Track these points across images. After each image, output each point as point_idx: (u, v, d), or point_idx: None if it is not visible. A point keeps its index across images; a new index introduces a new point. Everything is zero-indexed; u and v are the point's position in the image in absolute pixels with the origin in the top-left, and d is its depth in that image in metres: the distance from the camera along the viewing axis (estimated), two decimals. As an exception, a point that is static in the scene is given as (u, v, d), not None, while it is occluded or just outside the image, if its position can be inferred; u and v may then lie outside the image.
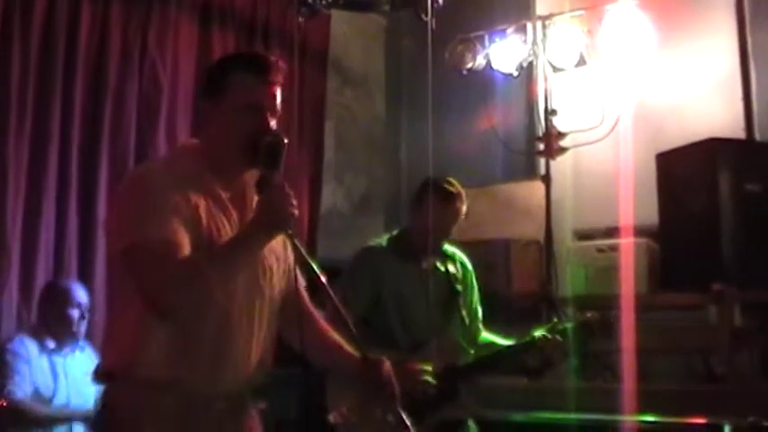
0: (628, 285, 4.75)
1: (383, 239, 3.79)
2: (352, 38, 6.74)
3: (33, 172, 4.54)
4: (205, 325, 2.23)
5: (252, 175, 2.36)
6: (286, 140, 2.28)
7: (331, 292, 2.29)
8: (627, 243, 5.07)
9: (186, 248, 2.18)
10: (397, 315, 3.58)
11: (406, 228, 3.80)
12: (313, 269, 2.30)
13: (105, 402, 2.32)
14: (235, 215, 2.32)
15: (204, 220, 2.25)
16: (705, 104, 5.39)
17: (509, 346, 3.71)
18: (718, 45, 5.44)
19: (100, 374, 2.33)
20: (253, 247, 2.24)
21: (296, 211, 2.21)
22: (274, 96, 2.35)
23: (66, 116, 4.70)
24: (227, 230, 2.28)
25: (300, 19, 5.84)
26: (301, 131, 6.06)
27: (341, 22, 6.50)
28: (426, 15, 5.63)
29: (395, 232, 3.82)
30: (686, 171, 4.88)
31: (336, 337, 2.58)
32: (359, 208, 6.66)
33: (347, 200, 6.61)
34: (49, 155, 4.59)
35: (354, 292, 3.54)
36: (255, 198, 2.32)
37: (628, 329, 4.23)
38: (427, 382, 3.31)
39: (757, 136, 5.25)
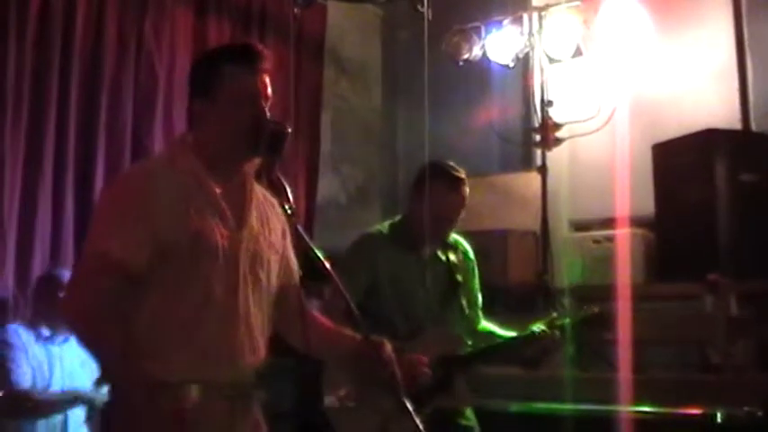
0: (624, 276, 4.75)
1: (384, 226, 3.68)
2: (349, 28, 6.73)
3: (30, 161, 4.53)
4: (207, 320, 2.24)
5: (251, 167, 2.38)
6: (289, 129, 2.30)
7: (335, 277, 2.29)
8: (623, 233, 5.07)
9: (137, 265, 2.19)
10: (396, 303, 3.51)
11: (407, 214, 3.67)
12: (317, 255, 2.30)
13: (114, 399, 2.33)
14: (229, 213, 2.32)
15: (194, 223, 2.26)
16: (701, 95, 5.40)
17: (506, 340, 3.67)
18: (714, 36, 5.44)
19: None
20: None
21: None
22: (266, 84, 2.37)
23: (63, 106, 4.69)
24: (221, 230, 2.29)
25: (297, 9, 5.84)
26: (298, 122, 6.05)
27: (337, 13, 6.49)
28: (423, 6, 5.62)
29: (396, 218, 3.71)
30: (682, 162, 4.90)
31: (332, 324, 2.58)
32: (355, 199, 6.66)
33: (344, 191, 6.61)
34: (45, 145, 4.58)
35: (350, 278, 3.45)
36: (256, 188, 2.37)
37: (624, 320, 4.24)
38: (425, 372, 3.30)
39: (753, 126, 5.26)
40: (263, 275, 2.37)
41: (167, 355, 2.21)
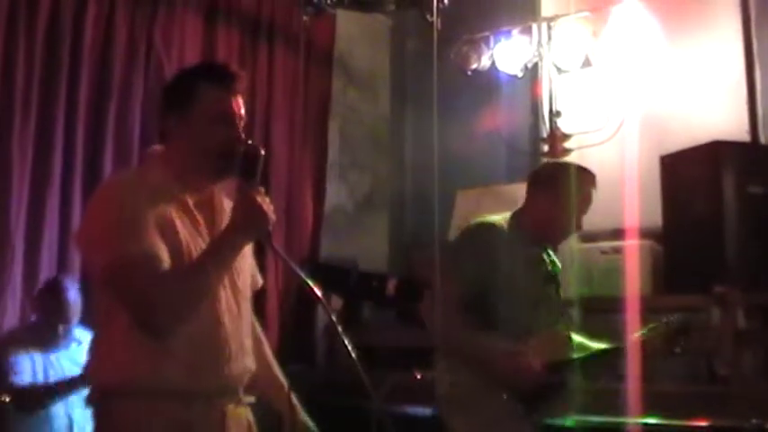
0: (631, 287, 4.74)
1: (499, 219, 3.43)
2: (358, 37, 6.74)
3: (37, 167, 4.54)
4: (194, 327, 2.22)
5: (222, 184, 2.41)
6: (262, 151, 2.31)
7: (327, 305, 2.31)
8: (631, 245, 5.05)
9: (167, 262, 2.18)
10: (508, 301, 3.24)
11: (532, 209, 3.50)
12: (308, 283, 2.29)
13: (105, 419, 2.28)
14: (202, 223, 2.34)
15: (181, 233, 2.26)
16: (710, 107, 5.38)
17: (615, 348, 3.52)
18: (723, 48, 5.43)
19: (96, 394, 2.30)
20: (233, 251, 2.27)
21: (273, 215, 2.24)
22: (240, 105, 2.39)
23: (71, 111, 4.70)
24: (201, 240, 2.30)
25: (305, 18, 5.85)
26: (306, 130, 6.07)
27: (346, 22, 6.50)
28: (432, 15, 5.63)
29: (511, 214, 3.49)
30: (690, 173, 4.88)
31: (269, 357, 2.63)
32: (363, 207, 6.66)
33: (351, 199, 6.60)
34: (53, 150, 4.60)
35: (462, 269, 3.26)
36: (223, 200, 2.41)
37: (631, 331, 4.22)
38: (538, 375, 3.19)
39: (762, 139, 5.25)
40: (240, 284, 2.39)
41: (153, 365, 2.19)
